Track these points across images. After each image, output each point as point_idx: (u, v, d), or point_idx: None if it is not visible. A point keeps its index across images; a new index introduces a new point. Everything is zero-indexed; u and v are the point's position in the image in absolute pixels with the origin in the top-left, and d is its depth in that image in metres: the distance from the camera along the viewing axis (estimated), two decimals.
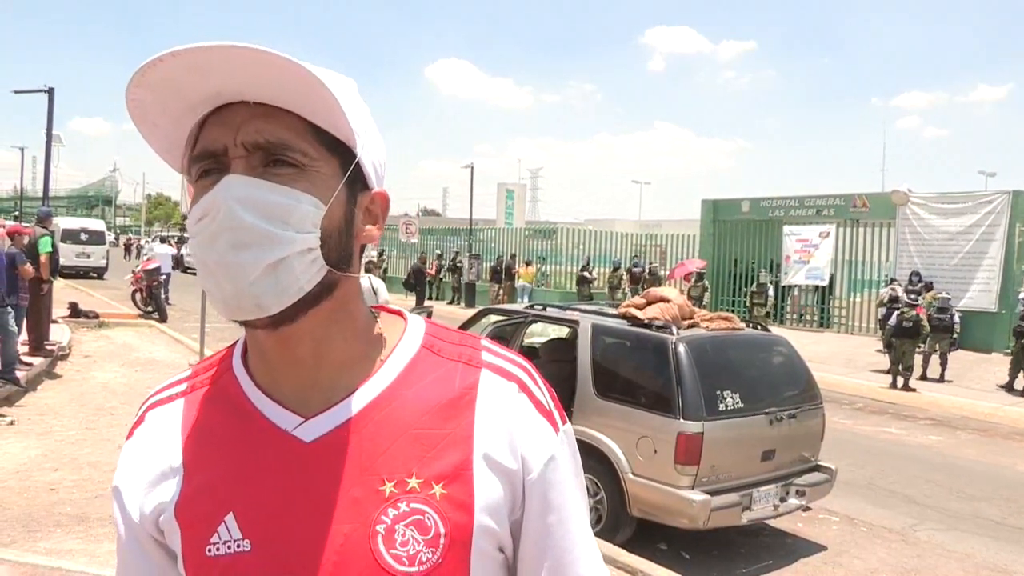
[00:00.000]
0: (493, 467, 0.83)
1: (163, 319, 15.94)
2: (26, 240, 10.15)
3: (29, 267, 9.72)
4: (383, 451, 0.82)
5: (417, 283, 23.25)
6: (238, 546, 0.81)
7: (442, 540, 0.80)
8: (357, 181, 0.84)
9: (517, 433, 0.85)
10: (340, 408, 0.84)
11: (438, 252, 27.52)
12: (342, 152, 0.82)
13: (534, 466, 0.85)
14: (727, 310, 16.53)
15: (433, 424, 0.84)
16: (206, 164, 0.80)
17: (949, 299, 14.14)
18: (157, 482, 0.87)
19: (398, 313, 0.95)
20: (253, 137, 0.78)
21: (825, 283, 20.23)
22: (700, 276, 20.39)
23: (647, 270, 22.48)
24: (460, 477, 0.82)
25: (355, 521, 0.80)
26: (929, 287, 15.92)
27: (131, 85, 0.76)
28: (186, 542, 0.83)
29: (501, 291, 23.59)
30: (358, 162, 0.83)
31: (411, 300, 22.43)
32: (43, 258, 10.15)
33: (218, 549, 0.81)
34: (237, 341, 0.94)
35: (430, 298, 24.83)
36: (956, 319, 13.83)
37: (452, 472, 0.82)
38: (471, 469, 0.82)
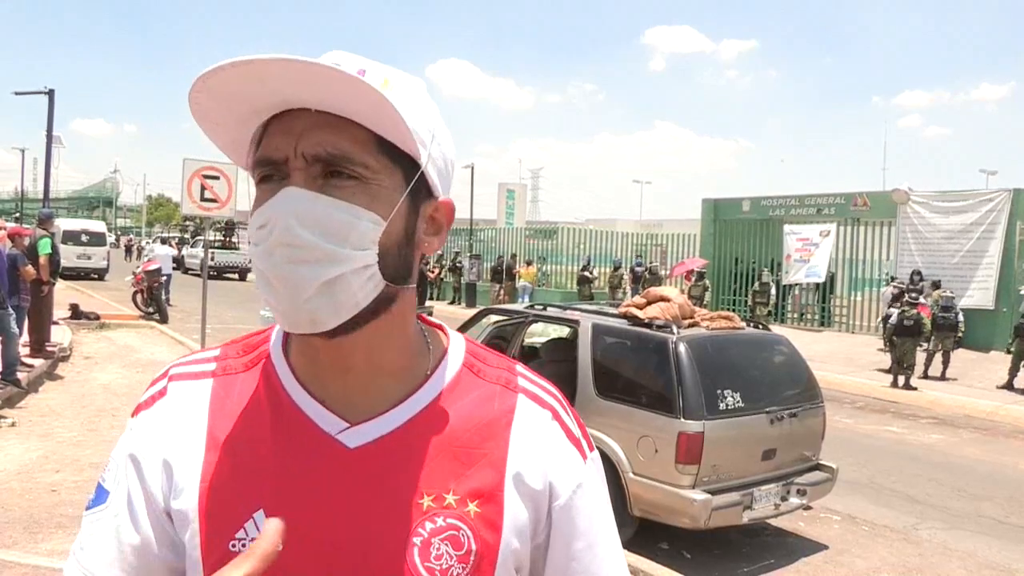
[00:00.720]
0: (522, 490, 0.85)
1: (164, 320, 15.95)
2: (27, 242, 10.18)
3: (30, 268, 9.75)
4: (424, 465, 0.83)
5: (418, 284, 23.27)
6: None
7: (472, 557, 0.81)
8: (420, 191, 0.82)
9: (548, 459, 0.87)
10: (387, 418, 0.84)
11: (439, 252, 27.52)
12: (405, 163, 0.80)
13: (562, 492, 0.87)
14: (729, 309, 16.53)
15: (472, 443, 0.85)
16: (266, 170, 0.79)
17: (953, 297, 14.13)
18: (177, 459, 0.84)
19: (439, 327, 0.95)
20: (314, 149, 0.77)
21: (822, 280, 20.20)
22: (701, 275, 20.39)
23: (647, 269, 22.48)
24: (493, 497, 0.83)
25: (392, 531, 0.80)
26: (936, 285, 15.92)
27: (192, 90, 0.75)
28: (205, 533, 0.81)
29: (502, 291, 23.59)
30: (422, 172, 0.81)
31: None
32: (43, 259, 10.17)
33: (244, 545, 0.79)
34: (273, 328, 0.92)
35: (431, 298, 24.85)
36: (961, 317, 13.82)
37: (486, 491, 0.83)
38: (503, 490, 0.84)
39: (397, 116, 0.75)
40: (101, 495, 0.87)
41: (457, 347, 0.92)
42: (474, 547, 0.81)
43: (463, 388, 0.88)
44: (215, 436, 0.85)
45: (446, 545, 0.80)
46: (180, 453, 0.84)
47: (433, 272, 25.49)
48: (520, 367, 0.94)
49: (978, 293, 17.36)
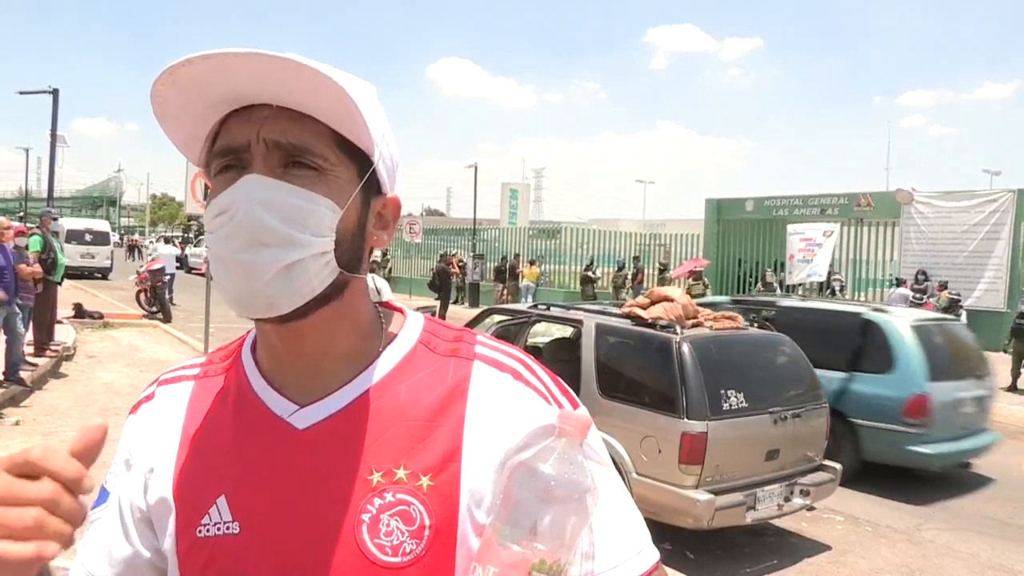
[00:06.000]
0: (484, 458, 0.83)
1: (167, 319, 15.97)
2: (24, 241, 10.24)
3: (23, 267, 9.77)
4: (373, 441, 0.83)
5: (442, 286, 21.53)
6: (227, 528, 0.83)
7: (427, 532, 0.80)
8: (372, 186, 0.86)
9: (512, 421, 0.84)
10: (334, 398, 0.85)
11: (441, 252, 27.46)
12: (360, 158, 0.83)
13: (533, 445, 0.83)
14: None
15: (424, 416, 0.84)
16: (227, 160, 0.82)
17: (958, 298, 14.03)
18: (157, 457, 0.89)
19: (399, 310, 0.96)
20: (276, 136, 0.79)
21: (823, 278, 20.12)
22: (699, 274, 20.31)
23: (643, 270, 22.45)
24: (448, 470, 0.82)
25: (341, 509, 0.81)
26: (944, 286, 15.87)
27: (157, 83, 0.77)
28: (179, 521, 0.85)
29: (505, 291, 23.58)
30: (374, 169, 0.84)
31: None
32: (31, 255, 10.20)
33: (208, 530, 0.83)
34: (250, 331, 0.96)
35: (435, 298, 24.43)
36: (964, 319, 13.75)
37: (440, 464, 0.82)
38: (459, 462, 0.82)
39: (357, 112, 0.78)
40: (102, 495, 0.93)
41: (412, 326, 0.93)
42: (428, 522, 0.80)
43: (416, 364, 0.88)
44: (188, 431, 0.90)
45: (396, 521, 0.80)
46: (159, 451, 0.90)
47: (455, 271, 23.85)
48: (481, 336, 0.93)
49: (985, 294, 17.29)
